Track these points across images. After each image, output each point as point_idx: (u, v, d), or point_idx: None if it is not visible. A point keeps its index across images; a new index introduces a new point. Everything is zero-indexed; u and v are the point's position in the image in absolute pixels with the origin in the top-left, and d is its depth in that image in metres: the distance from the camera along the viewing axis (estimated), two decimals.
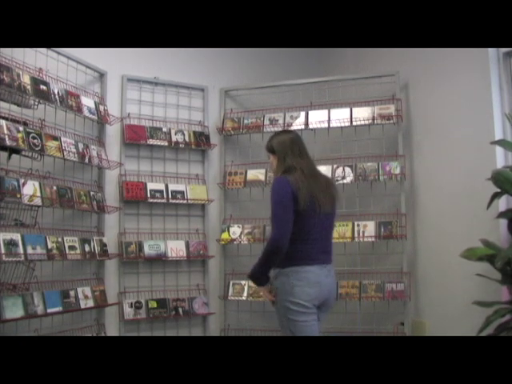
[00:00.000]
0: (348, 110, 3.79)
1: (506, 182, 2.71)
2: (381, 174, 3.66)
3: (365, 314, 3.72)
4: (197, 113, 4.06)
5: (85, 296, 3.21)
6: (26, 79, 2.88)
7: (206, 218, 3.99)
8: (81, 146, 3.27)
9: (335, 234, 3.69)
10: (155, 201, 3.75)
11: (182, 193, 3.84)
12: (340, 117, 3.79)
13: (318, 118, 3.85)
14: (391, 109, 3.72)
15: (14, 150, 2.81)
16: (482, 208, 2.78)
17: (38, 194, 2.88)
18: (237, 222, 3.94)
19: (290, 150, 2.59)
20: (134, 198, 3.68)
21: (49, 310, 2.93)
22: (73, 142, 3.22)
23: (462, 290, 3.20)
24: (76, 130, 3.35)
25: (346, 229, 3.69)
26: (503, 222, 2.95)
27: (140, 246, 3.64)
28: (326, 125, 3.82)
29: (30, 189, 2.84)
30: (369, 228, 3.65)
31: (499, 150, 3.10)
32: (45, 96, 3.00)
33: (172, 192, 3.80)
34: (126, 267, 3.67)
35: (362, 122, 3.75)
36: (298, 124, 3.88)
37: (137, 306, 3.60)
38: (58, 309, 3.01)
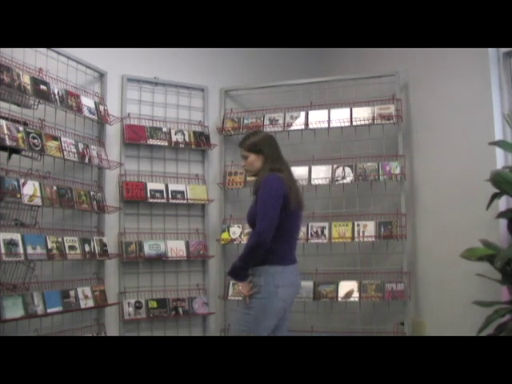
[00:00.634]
0: (348, 109, 3.79)
1: (506, 182, 2.71)
2: (381, 173, 3.66)
3: (365, 313, 3.72)
4: (197, 113, 4.06)
5: (85, 296, 3.21)
6: (25, 79, 2.88)
7: (205, 218, 3.99)
8: (81, 145, 3.27)
9: (335, 234, 3.70)
10: (155, 201, 3.75)
11: (181, 193, 3.84)
12: (340, 117, 3.79)
13: (318, 117, 3.85)
14: (391, 109, 3.72)
15: (13, 150, 2.81)
16: (482, 208, 2.78)
17: (38, 194, 2.88)
18: (237, 222, 3.94)
19: (275, 149, 2.61)
20: (134, 198, 3.68)
21: (49, 310, 2.93)
22: (73, 141, 3.22)
23: (462, 290, 3.20)
24: (76, 129, 3.35)
25: (346, 229, 3.69)
26: (503, 222, 2.95)
27: (140, 246, 3.64)
28: (325, 125, 3.82)
29: (30, 189, 2.84)
30: (369, 228, 3.65)
31: (499, 151, 3.10)
32: (45, 96, 3.00)
33: (172, 192, 3.80)
34: (126, 267, 3.67)
35: (362, 122, 3.75)
36: (297, 124, 3.88)
37: (137, 305, 3.60)
38: (58, 309, 3.01)
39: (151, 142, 3.78)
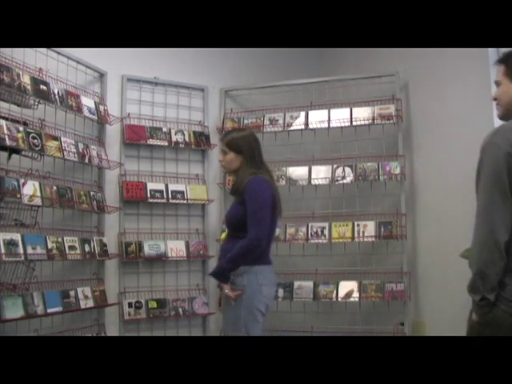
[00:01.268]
0: (348, 109, 3.79)
1: None
2: (381, 173, 3.66)
3: (365, 314, 3.72)
4: (197, 113, 4.06)
5: (85, 296, 3.21)
6: (26, 79, 2.88)
7: (205, 217, 3.99)
8: (81, 145, 3.27)
9: (335, 234, 3.70)
10: (155, 201, 3.75)
11: (182, 193, 3.84)
12: (340, 117, 3.79)
13: (317, 117, 3.85)
14: (391, 109, 3.72)
15: (14, 150, 2.81)
16: None
17: (38, 193, 2.88)
18: None
19: (257, 152, 2.59)
20: (134, 198, 3.68)
21: (49, 310, 2.93)
22: (73, 142, 3.22)
23: (462, 290, 3.17)
24: (76, 129, 3.35)
25: (346, 229, 3.69)
26: None
27: (140, 246, 3.64)
28: (325, 125, 3.82)
29: (30, 189, 2.84)
30: (369, 228, 3.65)
31: None
32: (45, 96, 3.00)
33: (172, 192, 3.80)
34: (126, 267, 3.67)
35: (362, 122, 3.75)
36: (297, 124, 3.88)
37: (137, 305, 3.60)
38: (58, 309, 3.01)
39: (151, 142, 3.78)
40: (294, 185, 3.86)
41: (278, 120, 3.94)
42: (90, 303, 3.24)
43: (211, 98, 4.11)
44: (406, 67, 3.77)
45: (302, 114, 3.90)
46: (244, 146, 2.57)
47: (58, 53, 3.21)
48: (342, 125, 3.79)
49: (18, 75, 2.84)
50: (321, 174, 3.79)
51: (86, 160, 3.30)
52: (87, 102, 3.38)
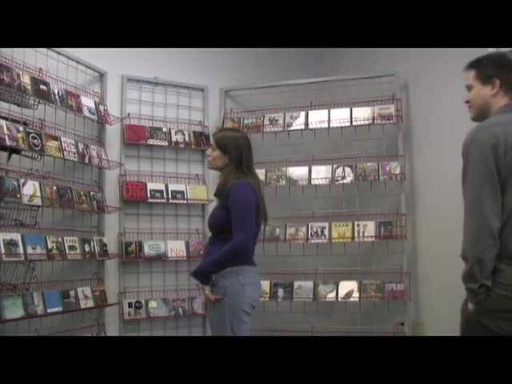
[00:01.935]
0: (348, 109, 3.79)
1: None
2: (381, 173, 3.66)
3: (365, 313, 3.72)
4: (197, 113, 4.06)
5: (85, 296, 3.21)
6: (26, 79, 2.88)
7: (205, 218, 3.98)
8: (81, 145, 3.27)
9: (335, 234, 3.70)
10: (155, 201, 3.75)
11: (182, 193, 3.83)
12: (340, 117, 3.79)
13: (318, 117, 3.85)
14: (391, 109, 3.72)
15: (14, 150, 2.81)
16: None
17: (38, 193, 2.88)
18: None
19: (246, 156, 2.55)
20: (134, 198, 3.68)
21: (49, 310, 2.93)
22: (73, 142, 3.22)
23: (462, 290, 3.18)
24: (76, 129, 3.35)
25: (346, 229, 3.69)
26: None
27: (140, 246, 3.64)
28: (325, 125, 3.82)
29: (30, 189, 2.84)
30: (369, 228, 3.65)
31: None
32: (45, 96, 3.00)
33: (172, 192, 3.80)
34: (126, 267, 3.67)
35: (362, 122, 3.75)
36: (297, 124, 3.88)
37: (137, 306, 3.60)
38: (58, 309, 3.01)
39: (151, 142, 3.78)
40: (293, 185, 3.86)
41: (278, 120, 3.94)
42: (90, 303, 3.24)
43: (211, 98, 4.11)
44: (405, 67, 3.77)
45: (302, 114, 3.90)
46: (232, 147, 2.53)
47: (58, 53, 3.21)
48: (342, 125, 3.79)
49: (18, 75, 2.83)
50: (321, 173, 3.79)
51: (86, 160, 3.30)
52: (87, 102, 3.38)
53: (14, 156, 2.85)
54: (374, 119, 3.73)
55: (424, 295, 3.62)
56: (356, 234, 3.66)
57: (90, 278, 3.40)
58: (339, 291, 3.64)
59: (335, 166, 3.77)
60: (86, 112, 3.34)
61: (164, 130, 3.86)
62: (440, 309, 3.43)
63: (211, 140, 2.65)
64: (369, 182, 3.72)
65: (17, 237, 2.75)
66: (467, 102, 2.07)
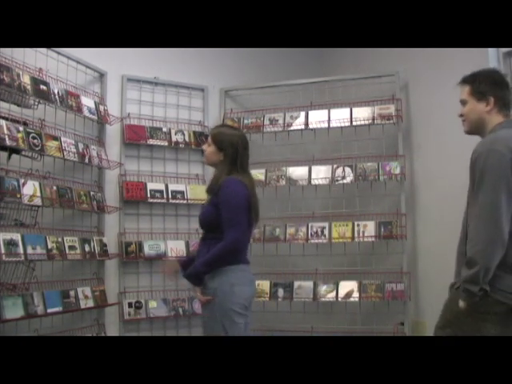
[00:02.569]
0: (348, 110, 3.79)
1: None
2: (381, 173, 3.66)
3: (365, 313, 3.72)
4: (197, 113, 4.06)
5: (85, 296, 3.21)
6: (26, 79, 2.88)
7: None
8: (81, 145, 3.27)
9: (335, 234, 3.70)
10: (155, 201, 3.75)
11: (181, 193, 3.83)
12: (340, 117, 3.79)
13: (318, 117, 3.85)
14: (391, 109, 3.72)
15: (14, 150, 2.81)
16: None
17: (38, 193, 2.88)
18: None
19: (240, 154, 2.50)
20: (134, 198, 3.68)
21: (49, 310, 2.93)
22: (73, 142, 3.22)
23: None
24: (76, 129, 3.35)
25: (346, 229, 3.69)
26: None
27: (140, 246, 3.64)
28: (325, 125, 3.82)
29: (30, 189, 2.84)
30: (369, 228, 3.65)
31: None
32: (45, 96, 3.00)
33: (172, 192, 3.80)
34: (126, 267, 3.67)
35: (362, 122, 3.75)
36: (297, 124, 3.88)
37: (137, 306, 3.60)
38: (58, 309, 3.01)
39: (151, 142, 3.78)
40: (294, 185, 3.86)
41: (278, 120, 3.94)
42: (90, 303, 3.24)
43: (211, 98, 4.11)
44: (405, 67, 3.77)
45: (302, 114, 3.90)
46: (227, 145, 2.48)
47: (58, 53, 3.21)
48: (342, 125, 3.79)
49: (18, 75, 2.83)
50: (321, 173, 3.79)
51: (86, 160, 3.30)
52: (87, 102, 3.38)
53: (14, 156, 2.85)
54: (374, 119, 3.73)
55: (424, 295, 3.62)
56: (356, 234, 3.66)
57: (90, 277, 3.40)
58: (339, 291, 3.64)
59: (335, 165, 3.77)
60: (85, 112, 3.34)
61: (164, 129, 3.86)
62: (440, 309, 3.42)
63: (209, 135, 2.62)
64: (369, 181, 3.72)
65: (17, 237, 2.75)
66: (461, 115, 2.15)
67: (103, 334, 3.42)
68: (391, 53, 3.76)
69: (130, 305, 3.58)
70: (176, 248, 3.76)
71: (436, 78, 3.57)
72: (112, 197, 3.63)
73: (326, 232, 3.72)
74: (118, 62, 3.69)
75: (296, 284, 3.74)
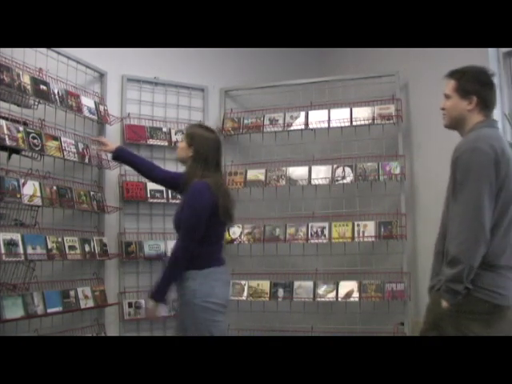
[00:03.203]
0: (348, 109, 3.80)
1: None
2: (381, 173, 3.66)
3: (365, 313, 3.72)
4: (197, 113, 4.06)
5: (85, 296, 3.21)
6: (26, 79, 2.88)
7: None
8: (81, 145, 3.27)
9: (335, 234, 3.70)
10: (155, 201, 3.75)
11: None
12: (340, 117, 3.79)
13: (318, 117, 3.85)
14: (391, 109, 3.72)
15: (14, 150, 2.81)
16: None
17: (38, 194, 2.88)
18: (237, 222, 3.93)
19: (212, 155, 2.52)
20: (134, 197, 3.68)
21: (49, 310, 2.93)
22: (73, 142, 3.22)
23: None
24: (76, 130, 3.35)
25: (346, 229, 3.69)
26: None
27: (140, 246, 3.64)
28: (326, 125, 3.82)
29: (30, 189, 2.84)
30: (369, 228, 3.65)
31: None
32: (45, 96, 3.00)
33: (172, 192, 3.79)
34: (126, 267, 3.67)
35: (362, 122, 3.75)
36: (298, 124, 3.88)
37: (137, 306, 3.60)
38: (58, 309, 3.01)
39: (151, 142, 3.78)
40: (294, 185, 3.86)
41: (278, 120, 3.94)
42: (90, 303, 3.24)
43: (211, 98, 4.11)
44: (406, 67, 3.77)
45: (302, 114, 3.90)
46: (197, 142, 2.51)
47: (58, 53, 3.21)
48: (342, 125, 3.79)
49: (18, 75, 2.83)
50: (321, 173, 3.79)
51: (86, 160, 3.30)
52: (87, 102, 3.38)
53: (14, 156, 2.85)
54: (374, 119, 3.73)
55: (424, 295, 3.58)
56: (356, 234, 3.66)
57: (90, 278, 3.40)
58: (339, 291, 3.64)
59: (335, 165, 3.77)
60: (86, 112, 3.34)
61: (164, 130, 3.86)
62: None
63: None
64: (369, 181, 3.72)
65: (17, 237, 2.75)
66: (443, 109, 2.19)
67: (103, 334, 3.42)
68: (391, 53, 3.76)
69: (129, 305, 3.58)
70: None
71: (436, 78, 3.55)
72: (112, 197, 3.63)
73: (326, 232, 3.72)
74: (118, 61, 3.69)
75: (296, 284, 3.74)
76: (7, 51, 2.83)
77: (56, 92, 3.10)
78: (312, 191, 3.86)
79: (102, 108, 3.51)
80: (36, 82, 2.95)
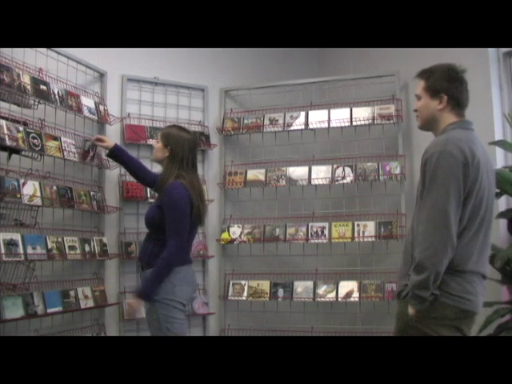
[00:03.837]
0: (348, 109, 3.79)
1: (506, 182, 2.72)
2: (381, 174, 3.66)
3: (365, 313, 3.72)
4: (197, 113, 4.06)
5: (85, 296, 3.21)
6: (26, 79, 2.87)
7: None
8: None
9: (335, 234, 3.70)
10: None
11: None
12: (340, 117, 3.79)
13: (318, 118, 3.85)
14: (391, 109, 3.72)
15: (14, 150, 2.81)
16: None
17: (38, 194, 2.88)
18: (237, 222, 3.94)
19: (186, 155, 2.60)
20: (134, 197, 3.68)
21: (49, 310, 2.93)
22: (73, 142, 3.22)
23: None
24: (76, 129, 3.35)
25: (346, 229, 3.69)
26: (503, 222, 2.94)
27: (140, 246, 3.64)
28: (325, 125, 3.82)
29: (30, 189, 2.84)
30: (369, 228, 3.65)
31: (499, 151, 3.10)
32: (45, 96, 2.99)
33: None
34: (126, 267, 3.66)
35: (362, 122, 3.75)
36: (298, 124, 3.88)
37: None
38: (58, 309, 3.01)
39: (151, 142, 3.77)
40: (294, 185, 3.86)
41: (278, 120, 3.94)
42: (90, 303, 3.24)
43: (211, 98, 4.11)
44: (406, 67, 3.77)
45: (302, 114, 3.90)
46: (172, 143, 2.59)
47: (58, 53, 3.21)
48: (342, 125, 3.79)
49: (18, 75, 2.83)
50: (321, 174, 3.79)
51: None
52: (87, 102, 3.38)
53: (14, 156, 2.85)
54: (373, 119, 3.73)
55: None
56: (356, 234, 3.66)
57: (90, 278, 3.40)
58: (339, 291, 3.64)
59: (335, 166, 3.77)
60: (86, 112, 3.34)
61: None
62: None
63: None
64: (369, 182, 3.72)
65: (17, 237, 2.75)
66: (415, 110, 2.14)
67: (103, 334, 3.42)
68: (391, 53, 3.76)
69: None
70: None
71: None
72: (112, 197, 3.63)
73: (326, 232, 3.72)
74: (117, 62, 3.69)
75: (296, 284, 3.74)
76: (7, 51, 2.83)
77: (56, 92, 3.10)
78: (312, 191, 3.86)
79: (101, 108, 3.51)
80: (36, 81, 2.95)
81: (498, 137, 3.12)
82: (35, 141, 2.90)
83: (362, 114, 3.75)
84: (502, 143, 2.97)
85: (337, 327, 3.64)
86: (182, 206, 2.50)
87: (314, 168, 3.82)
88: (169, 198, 2.50)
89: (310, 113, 3.88)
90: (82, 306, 3.17)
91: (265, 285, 3.78)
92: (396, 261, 3.62)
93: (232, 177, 3.98)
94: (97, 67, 3.57)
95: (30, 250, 2.81)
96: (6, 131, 2.70)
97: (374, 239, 3.64)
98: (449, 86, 2.03)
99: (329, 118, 3.82)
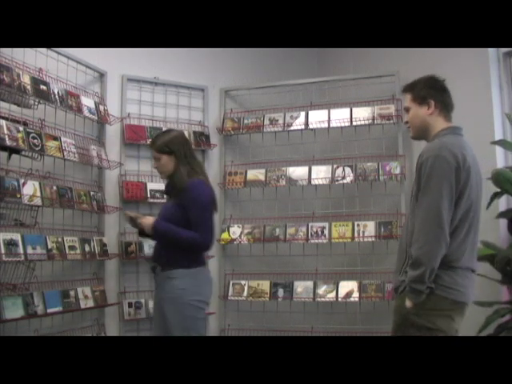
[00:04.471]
0: (348, 110, 3.79)
1: (506, 181, 2.72)
2: (381, 174, 3.66)
3: (365, 313, 3.72)
4: (197, 113, 4.06)
5: (85, 296, 3.21)
6: (26, 79, 2.87)
7: None
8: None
9: (335, 234, 3.70)
10: (155, 201, 3.75)
11: None
12: (340, 117, 3.79)
13: (318, 117, 3.85)
14: (391, 109, 3.72)
15: (13, 150, 2.81)
16: (482, 208, 2.77)
17: (38, 194, 2.88)
18: (237, 222, 3.94)
19: (188, 149, 2.66)
20: (134, 198, 3.68)
21: (49, 310, 2.93)
22: (73, 142, 3.22)
23: None
24: (76, 129, 3.35)
25: (346, 229, 3.69)
26: (503, 222, 2.94)
27: (140, 246, 3.64)
28: (325, 125, 3.82)
29: (30, 189, 2.84)
30: (369, 228, 3.65)
31: (499, 150, 3.10)
32: (45, 96, 2.99)
33: None
34: (126, 267, 3.67)
35: (362, 122, 3.75)
36: (298, 124, 3.88)
37: (137, 306, 3.60)
38: (58, 309, 3.01)
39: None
40: (294, 185, 3.86)
41: (278, 120, 3.94)
42: (90, 303, 3.24)
43: (211, 98, 4.11)
44: (406, 67, 3.77)
45: (302, 114, 3.90)
46: (174, 147, 2.62)
47: (58, 53, 3.21)
48: (342, 125, 3.79)
49: (18, 75, 2.83)
50: (321, 174, 3.79)
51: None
52: (87, 102, 3.38)
53: (14, 156, 2.85)
54: (373, 119, 3.73)
55: None
56: (356, 234, 3.66)
57: (90, 277, 3.40)
58: (339, 291, 3.64)
59: (335, 166, 3.77)
60: (86, 112, 3.34)
61: (164, 129, 3.85)
62: None
63: (152, 153, 2.71)
64: (369, 182, 3.72)
65: (17, 237, 2.75)
66: (406, 122, 2.26)
67: (103, 334, 3.42)
68: (391, 53, 3.76)
69: (129, 305, 3.58)
70: None
71: None
72: (112, 197, 3.63)
73: (326, 232, 3.72)
74: (117, 62, 3.68)
75: (296, 284, 3.74)
76: (7, 51, 2.83)
77: (56, 92, 3.10)
78: (312, 191, 3.86)
79: (101, 108, 3.51)
80: (36, 81, 2.95)
81: (499, 136, 3.12)
82: (35, 141, 2.90)
83: (362, 114, 3.75)
84: (502, 143, 2.97)
85: (337, 327, 3.64)
86: (206, 201, 2.57)
87: (314, 168, 3.82)
88: (192, 195, 2.53)
89: (310, 113, 3.88)
90: (82, 306, 3.17)
91: (265, 285, 3.78)
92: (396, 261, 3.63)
93: (232, 177, 3.98)
94: (97, 67, 3.57)
95: (30, 250, 2.81)
96: (6, 131, 2.70)
97: (373, 239, 3.64)
98: (434, 92, 2.16)
99: (329, 118, 3.82)
